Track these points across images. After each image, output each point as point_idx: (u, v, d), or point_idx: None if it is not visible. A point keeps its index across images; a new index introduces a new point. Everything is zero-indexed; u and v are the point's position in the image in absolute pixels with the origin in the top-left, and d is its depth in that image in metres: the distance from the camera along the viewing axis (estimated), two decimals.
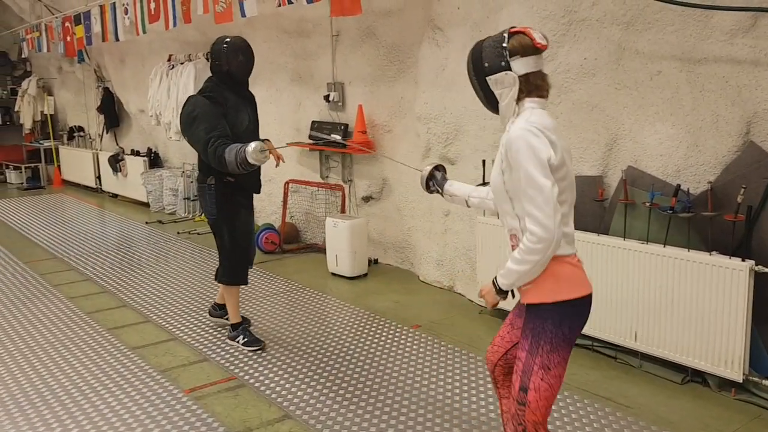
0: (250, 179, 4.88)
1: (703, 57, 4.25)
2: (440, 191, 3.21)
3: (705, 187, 4.17)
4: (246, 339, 4.97)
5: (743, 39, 4.08)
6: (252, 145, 4.34)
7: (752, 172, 4.01)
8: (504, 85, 2.57)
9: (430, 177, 3.23)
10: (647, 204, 4.32)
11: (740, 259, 3.92)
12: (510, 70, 2.55)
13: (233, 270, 4.97)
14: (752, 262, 3.88)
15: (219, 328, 5.36)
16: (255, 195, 5.09)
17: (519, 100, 2.59)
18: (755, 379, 3.97)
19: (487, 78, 2.60)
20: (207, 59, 8.94)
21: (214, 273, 5.29)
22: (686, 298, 4.12)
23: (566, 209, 2.55)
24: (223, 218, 4.83)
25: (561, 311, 2.56)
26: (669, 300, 4.20)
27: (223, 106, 4.66)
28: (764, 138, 4.07)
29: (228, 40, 4.75)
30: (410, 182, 6.64)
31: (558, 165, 2.48)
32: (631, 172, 4.58)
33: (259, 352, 4.89)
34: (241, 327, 5.06)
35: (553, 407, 3.95)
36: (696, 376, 4.26)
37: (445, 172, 3.27)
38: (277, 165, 4.68)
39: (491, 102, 2.66)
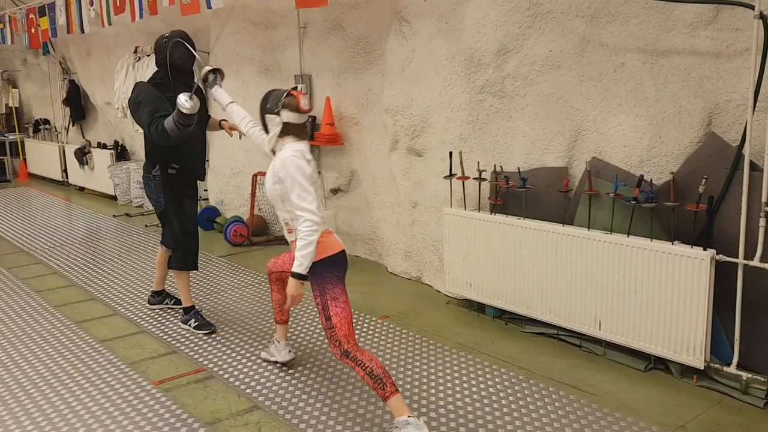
0: (192, 167, 5.12)
1: (666, 49, 4.32)
2: (206, 89, 4.71)
3: (667, 177, 4.24)
4: (197, 323, 5.15)
5: (705, 31, 4.16)
6: (180, 96, 4.45)
7: (713, 162, 4.10)
8: (273, 124, 3.76)
9: (205, 78, 4.56)
10: (611, 195, 4.38)
11: (702, 248, 4.00)
12: (278, 115, 3.72)
13: (185, 256, 5.17)
14: (713, 251, 3.96)
15: (180, 315, 5.34)
16: (200, 182, 5.36)
17: (281, 137, 3.74)
18: (716, 366, 4.05)
19: (265, 115, 3.80)
20: None
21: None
22: (649, 286, 4.20)
23: (318, 203, 3.60)
24: (171, 208, 5.07)
25: (330, 263, 3.62)
26: (632, 289, 4.28)
27: (170, 93, 4.76)
28: (725, 129, 4.16)
29: (167, 33, 4.99)
30: (378, 175, 6.66)
31: (312, 176, 3.66)
32: (595, 164, 4.64)
33: (216, 338, 5.01)
34: (194, 311, 5.22)
35: (519, 395, 4.04)
36: (659, 364, 4.34)
37: (222, 77, 4.69)
38: (240, 137, 4.96)
39: (266, 130, 3.87)
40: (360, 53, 6.70)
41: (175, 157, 4.96)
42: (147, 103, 4.71)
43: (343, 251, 3.72)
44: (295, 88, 3.89)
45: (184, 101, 4.43)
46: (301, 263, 3.52)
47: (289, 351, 4.49)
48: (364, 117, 6.80)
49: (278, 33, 7.57)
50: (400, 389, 3.59)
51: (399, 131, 6.07)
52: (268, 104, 3.77)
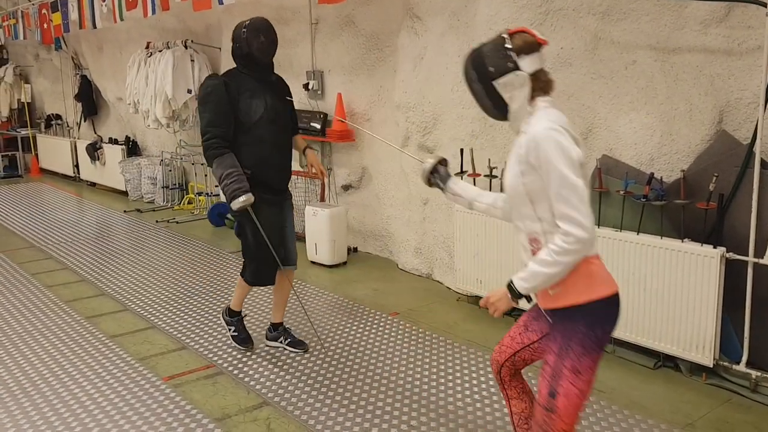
0: (274, 172, 4.49)
1: (678, 46, 4.30)
2: (442, 187, 3.02)
3: (678, 175, 4.22)
4: (236, 333, 4.80)
5: (717, 29, 4.14)
6: (241, 198, 4.15)
7: (724, 160, 4.08)
8: (514, 86, 2.45)
9: (433, 171, 3.02)
10: (621, 192, 4.37)
11: (712, 246, 3.98)
12: (519, 69, 2.44)
13: (258, 272, 4.58)
14: (723, 249, 3.95)
15: (198, 317, 5.37)
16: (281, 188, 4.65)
17: (531, 99, 2.48)
18: (725, 364, 4.05)
19: (494, 83, 2.46)
20: (185, 47, 8.90)
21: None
22: (659, 284, 4.19)
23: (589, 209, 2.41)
24: (244, 217, 4.40)
25: (594, 311, 2.45)
26: (642, 286, 4.27)
27: (235, 92, 4.32)
28: (736, 127, 4.13)
29: (248, 22, 4.39)
30: (390, 171, 6.66)
31: (582, 163, 2.41)
32: (605, 161, 4.63)
33: (227, 336, 4.83)
34: (238, 318, 4.82)
35: None
36: (668, 361, 4.34)
37: (447, 167, 3.06)
38: (322, 182, 4.39)
39: (499, 108, 2.52)
40: (372, 49, 6.70)
41: (249, 159, 4.32)
42: (210, 109, 4.28)
43: (617, 295, 2.51)
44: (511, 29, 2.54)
45: (242, 203, 4.13)
46: (528, 278, 2.43)
47: None
48: (375, 113, 6.80)
49: (290, 29, 7.57)
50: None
51: (410, 128, 6.08)
52: (490, 66, 2.47)
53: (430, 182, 3.06)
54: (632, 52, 4.50)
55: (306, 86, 7.32)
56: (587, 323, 2.44)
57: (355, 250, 7.25)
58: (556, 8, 4.80)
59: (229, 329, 4.85)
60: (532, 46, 2.45)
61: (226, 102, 4.27)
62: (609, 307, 2.49)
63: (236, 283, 4.86)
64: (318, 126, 7.21)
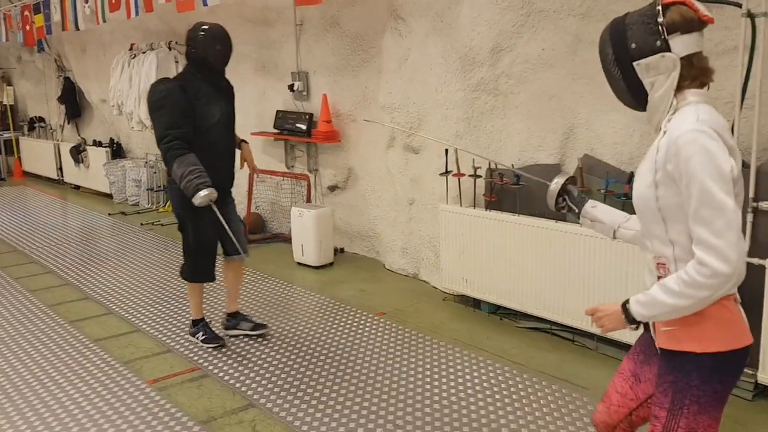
0: (219, 174, 4.55)
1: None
2: (576, 211, 2.56)
3: None
4: (205, 336, 4.86)
5: None
6: (204, 192, 4.22)
7: None
8: (659, 71, 2.01)
9: (563, 192, 2.57)
10: (602, 191, 4.41)
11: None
12: (669, 51, 1.99)
13: (195, 268, 4.77)
14: None
15: (182, 320, 5.36)
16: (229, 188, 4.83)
17: (678, 89, 2.03)
18: None
19: (634, 63, 2.04)
20: (169, 48, 8.88)
21: (176, 263, 5.25)
22: (638, 281, 4.18)
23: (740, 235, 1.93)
24: (187, 216, 4.59)
25: (713, 363, 2.03)
26: (623, 284, 4.30)
27: (194, 97, 4.42)
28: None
29: (205, 26, 4.53)
30: (376, 171, 6.68)
31: (736, 178, 1.95)
32: (587, 160, 4.68)
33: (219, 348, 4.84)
34: (202, 323, 4.91)
35: (513, 389, 4.07)
36: None
37: (577, 185, 2.65)
38: (252, 176, 4.57)
39: (636, 94, 2.09)
40: (357, 51, 6.71)
41: (201, 163, 4.40)
42: (168, 112, 4.32)
43: (748, 349, 2.08)
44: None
45: (202, 196, 4.20)
46: (647, 304, 2.05)
47: None
48: (361, 114, 6.81)
49: (275, 30, 7.58)
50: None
51: (395, 128, 6.09)
52: (633, 42, 2.03)
53: (558, 206, 2.58)
54: None
55: (291, 87, 7.33)
56: (703, 377, 2.04)
57: (342, 250, 7.27)
58: (537, 10, 4.84)
59: (197, 337, 4.88)
60: (692, 23, 1.99)
61: (183, 104, 4.34)
62: (733, 362, 2.07)
63: (220, 286, 4.86)
64: (304, 127, 7.22)
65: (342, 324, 5.21)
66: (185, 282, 4.97)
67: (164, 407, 3.96)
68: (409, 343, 4.83)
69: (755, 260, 3.81)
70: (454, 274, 5.43)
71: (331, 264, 6.81)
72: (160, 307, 5.67)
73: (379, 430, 3.66)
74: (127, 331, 5.20)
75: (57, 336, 5.11)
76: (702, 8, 2.00)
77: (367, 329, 5.10)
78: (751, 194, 3.84)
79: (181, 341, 4.96)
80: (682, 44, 1.99)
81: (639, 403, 2.33)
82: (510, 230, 4.92)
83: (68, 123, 12.67)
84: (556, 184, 2.56)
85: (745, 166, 3.89)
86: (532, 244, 4.78)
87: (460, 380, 4.23)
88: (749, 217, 3.86)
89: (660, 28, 1.99)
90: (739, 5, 3.78)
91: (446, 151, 5.32)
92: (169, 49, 8.89)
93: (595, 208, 2.52)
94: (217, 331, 4.98)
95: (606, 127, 4.63)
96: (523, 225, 4.83)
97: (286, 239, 7.43)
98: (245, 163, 4.92)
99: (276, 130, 7.59)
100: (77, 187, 12.01)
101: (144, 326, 5.28)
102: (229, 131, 4.71)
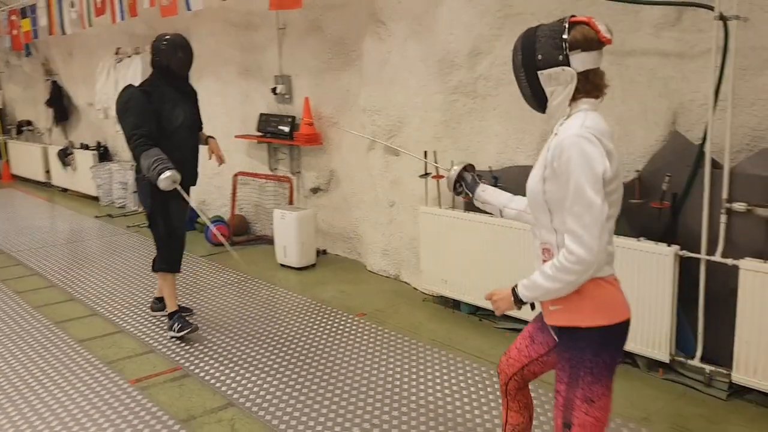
0: (183, 171, 4.83)
1: (632, 50, 4.41)
2: (470, 195, 2.86)
3: (633, 175, 4.33)
4: (180, 325, 5.02)
5: (669, 32, 4.25)
6: (167, 174, 4.51)
7: (677, 161, 4.19)
8: (558, 82, 2.25)
9: (459, 178, 2.87)
10: None
11: (666, 244, 4.09)
12: (568, 65, 2.23)
13: (169, 258, 5.10)
14: (677, 247, 4.05)
15: (166, 321, 5.38)
16: (192, 187, 5.14)
17: (573, 99, 2.28)
18: (681, 359, 4.15)
19: (538, 72, 2.27)
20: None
21: (151, 264, 5.31)
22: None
23: (610, 225, 2.28)
24: (156, 208, 4.94)
25: (600, 337, 2.29)
26: None
27: (159, 102, 4.77)
28: (689, 128, 4.25)
29: (168, 37, 4.89)
30: (357, 174, 6.72)
31: (612, 177, 2.21)
32: None
33: (196, 340, 4.95)
34: (177, 315, 5.10)
35: (489, 389, 4.12)
36: (627, 358, 4.42)
37: (476, 173, 2.92)
38: (219, 165, 5.08)
39: (539, 100, 2.33)
40: (338, 54, 6.76)
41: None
42: (132, 114, 4.66)
43: (628, 322, 2.38)
44: (574, 17, 2.33)
45: (164, 179, 4.48)
46: (530, 287, 2.34)
47: None
48: (342, 117, 6.86)
49: (258, 34, 7.62)
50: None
51: (376, 131, 6.14)
52: (540, 53, 2.26)
53: (456, 191, 2.90)
54: None
55: (274, 90, 7.37)
56: (593, 350, 2.28)
57: (324, 252, 7.31)
58: (514, 13, 4.90)
59: (174, 328, 5.03)
60: (592, 42, 2.23)
61: (146, 107, 4.71)
62: (617, 334, 2.35)
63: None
64: (286, 129, 7.26)
65: (322, 324, 5.25)
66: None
67: (145, 406, 3.99)
68: (388, 343, 4.87)
69: (729, 260, 3.88)
70: (434, 275, 5.48)
71: (313, 265, 6.85)
72: (145, 309, 5.68)
73: (356, 429, 3.70)
74: (111, 332, 5.23)
75: (42, 337, 5.13)
76: (603, 30, 2.24)
77: (347, 330, 5.14)
78: (724, 195, 3.90)
79: (164, 341, 4.99)
80: (580, 61, 2.23)
81: (530, 360, 2.63)
82: (488, 231, 4.97)
83: (56, 126, 12.67)
84: (454, 171, 2.88)
85: (718, 167, 3.97)
86: (509, 246, 4.82)
87: (437, 380, 4.27)
88: (722, 218, 3.92)
89: (564, 44, 2.22)
90: (711, 8, 3.85)
91: (425, 153, 5.37)
92: None
93: (484, 191, 2.83)
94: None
95: None
96: (501, 226, 4.88)
97: (270, 241, 7.45)
98: (212, 155, 5.18)
99: (259, 133, 7.63)
100: (65, 190, 12.01)
101: (128, 327, 5.31)
102: (194, 132, 5.08)
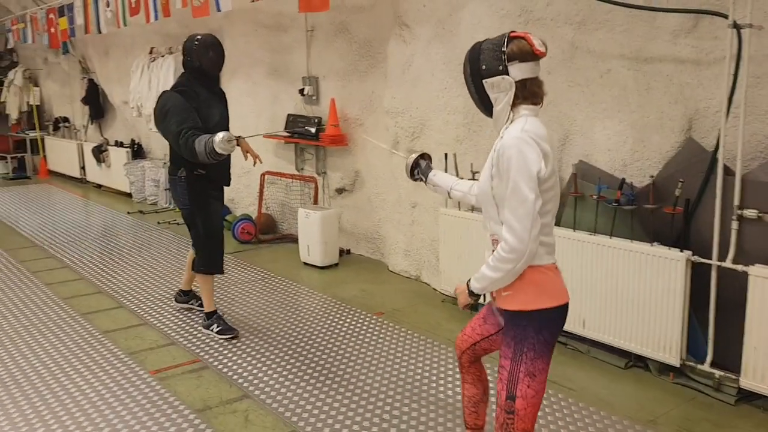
0: (219, 172, 5.07)
1: (649, 56, 4.44)
2: (424, 179, 3.25)
3: (648, 180, 4.36)
4: (220, 327, 5.10)
5: (686, 39, 4.27)
6: (219, 135, 4.53)
7: (690, 167, 4.21)
8: (500, 89, 2.54)
9: (415, 165, 3.27)
10: (595, 197, 4.51)
11: (679, 249, 4.12)
12: (507, 74, 2.52)
13: (210, 259, 5.13)
14: (689, 252, 4.08)
15: (188, 314, 5.55)
16: (225, 187, 5.27)
17: (514, 105, 2.56)
18: (691, 363, 4.17)
19: (483, 81, 2.57)
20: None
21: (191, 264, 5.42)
22: (630, 286, 4.32)
23: (548, 219, 2.57)
24: (196, 209, 5.00)
25: (542, 318, 2.58)
26: (614, 288, 4.40)
27: (195, 101, 4.83)
28: (705, 134, 4.26)
29: (199, 37, 4.93)
30: (381, 175, 6.82)
31: (548, 176, 2.48)
32: (581, 167, 4.77)
33: (232, 339, 5.03)
34: (215, 315, 5.19)
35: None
36: (639, 361, 4.46)
37: (430, 161, 3.31)
38: (255, 164, 5.00)
39: (486, 105, 2.63)
40: (364, 56, 6.87)
41: (201, 163, 4.84)
42: (175, 113, 4.70)
43: (568, 305, 2.67)
44: (513, 31, 2.62)
45: (220, 142, 4.48)
46: (479, 279, 2.65)
47: None
48: (367, 118, 6.97)
49: (287, 36, 7.76)
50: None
51: (399, 132, 6.24)
52: (483, 63, 2.56)
53: (413, 176, 3.29)
54: (607, 61, 4.65)
55: (302, 91, 7.50)
56: (535, 329, 2.57)
57: (348, 252, 7.41)
58: (535, 18, 4.95)
59: (212, 329, 5.12)
60: (527, 55, 2.51)
61: (185, 104, 4.73)
62: (556, 316, 2.62)
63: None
64: (313, 130, 7.38)
65: (341, 322, 5.36)
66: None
67: (163, 396, 4.14)
68: (404, 341, 4.96)
69: (739, 267, 3.89)
70: (453, 277, 5.54)
71: (336, 265, 6.96)
72: (169, 302, 5.85)
73: (366, 423, 3.80)
74: (135, 324, 5.40)
75: (68, 327, 5.31)
76: (537, 44, 2.53)
77: (364, 328, 5.24)
78: (736, 202, 3.92)
79: (185, 334, 5.14)
80: (518, 71, 2.52)
81: (482, 337, 2.96)
82: None
83: (92, 123, 12.97)
84: (411, 158, 3.27)
85: (731, 174, 3.99)
86: None
87: (450, 379, 4.35)
88: (734, 225, 3.94)
89: (503, 55, 2.51)
90: (726, 16, 3.87)
91: (446, 155, 5.45)
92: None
93: (435, 176, 3.22)
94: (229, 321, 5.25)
95: (600, 134, 4.73)
96: None
97: (296, 240, 7.58)
98: (248, 154, 5.10)
99: (287, 133, 7.77)
100: (99, 186, 12.30)
101: (151, 319, 5.47)
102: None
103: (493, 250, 2.62)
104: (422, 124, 5.98)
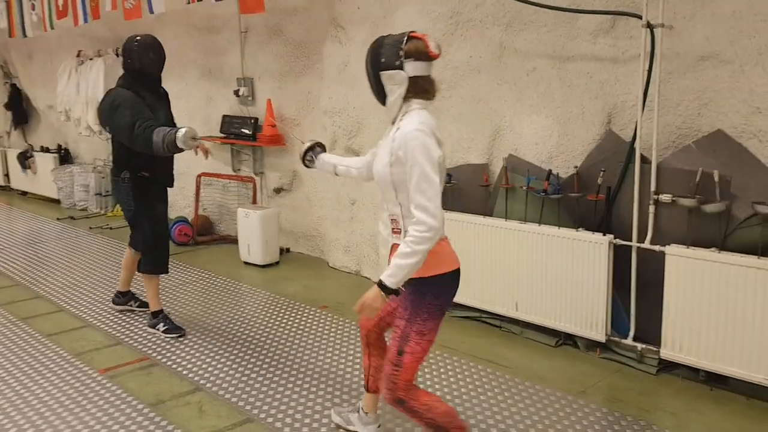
0: (163, 173, 5.14)
1: (571, 55, 4.76)
2: (314, 161, 3.64)
3: (572, 171, 4.69)
4: (166, 326, 5.17)
5: (604, 39, 4.61)
6: (183, 130, 4.53)
7: (610, 157, 4.55)
8: (395, 82, 2.82)
9: (308, 151, 3.65)
10: (524, 188, 4.81)
11: (602, 233, 4.45)
12: (402, 69, 2.80)
13: (156, 260, 5.20)
14: (612, 236, 4.42)
15: (131, 314, 5.59)
16: (168, 188, 5.30)
17: (406, 99, 2.84)
18: (616, 339, 4.51)
19: (380, 72, 2.84)
20: (117, 55, 9.04)
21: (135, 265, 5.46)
22: (558, 270, 4.63)
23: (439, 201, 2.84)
24: (141, 211, 5.05)
25: (439, 284, 2.88)
26: (544, 272, 4.71)
27: (143, 100, 4.82)
28: (623, 127, 4.61)
29: (138, 38, 4.94)
30: (319, 174, 6.93)
31: (441, 160, 2.81)
32: (511, 160, 5.07)
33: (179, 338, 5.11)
34: (161, 314, 5.25)
35: (442, 370, 4.43)
36: (568, 339, 4.78)
37: (324, 149, 3.69)
38: (207, 158, 4.91)
39: (381, 95, 2.91)
40: (300, 57, 7.02)
41: (145, 164, 4.93)
42: (127, 106, 4.68)
43: (459, 270, 2.98)
44: (414, 32, 2.90)
45: (183, 137, 4.47)
46: (394, 273, 2.73)
47: (378, 425, 3.62)
48: (304, 118, 7.12)
49: (221, 37, 7.84)
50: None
51: (337, 131, 6.42)
52: (383, 57, 2.83)
53: (305, 162, 3.67)
54: (532, 60, 4.95)
55: (236, 92, 7.59)
56: (434, 294, 2.88)
57: (288, 250, 7.55)
58: (465, 19, 5.22)
59: (158, 328, 5.19)
60: (421, 54, 2.81)
61: (138, 100, 4.77)
62: (452, 280, 2.94)
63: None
64: (249, 131, 7.48)
65: (285, 316, 5.50)
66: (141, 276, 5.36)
67: (116, 393, 4.20)
68: (347, 331, 5.15)
69: (656, 247, 4.24)
70: None
71: (277, 263, 7.09)
72: (111, 304, 5.84)
73: (318, 407, 3.97)
74: (78, 327, 5.40)
75: (8, 332, 5.28)
76: (432, 46, 2.82)
77: (309, 320, 5.40)
78: (652, 188, 4.27)
79: (131, 334, 5.18)
80: (412, 68, 2.81)
81: (386, 313, 3.24)
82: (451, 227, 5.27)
83: (15, 129, 12.65)
84: (305, 145, 3.66)
85: (647, 162, 4.33)
86: (461, 239, 5.09)
87: None
88: (651, 209, 4.29)
89: (401, 52, 2.80)
90: (639, 17, 4.21)
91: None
92: (117, 55, 9.05)
93: (320, 158, 3.63)
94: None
95: (528, 129, 5.04)
96: (452, 221, 5.16)
97: (233, 241, 7.67)
98: (198, 150, 5.07)
99: (222, 134, 7.84)
100: (24, 193, 12.02)
101: (94, 321, 5.48)
102: None
103: (393, 229, 2.93)
104: (359, 123, 6.18)
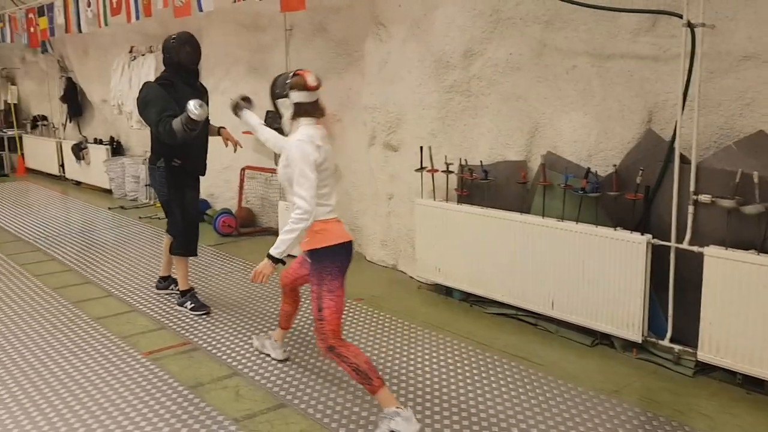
0: (195, 162, 5.51)
1: (612, 53, 4.75)
2: (240, 115, 4.51)
3: (611, 169, 4.67)
4: (193, 304, 5.51)
5: (645, 37, 4.59)
6: (190, 103, 4.83)
7: (650, 156, 4.53)
8: (285, 107, 3.73)
9: (238, 104, 4.54)
10: (562, 186, 4.81)
11: (640, 233, 4.43)
12: (288, 98, 3.68)
13: (187, 244, 5.55)
14: (650, 235, 4.39)
15: (176, 301, 5.75)
16: (202, 178, 5.66)
17: (295, 118, 3.70)
18: (652, 339, 4.48)
19: (276, 100, 3.75)
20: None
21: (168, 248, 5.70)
22: (595, 268, 4.63)
23: (327, 190, 3.68)
24: (173, 197, 5.43)
25: (331, 252, 3.66)
26: (581, 271, 4.70)
27: (174, 94, 5.16)
28: (663, 126, 4.58)
29: (175, 35, 5.37)
30: (359, 168, 7.07)
31: (321, 161, 3.59)
32: (549, 157, 5.07)
33: (206, 317, 5.39)
34: (189, 293, 5.58)
35: (474, 365, 4.47)
36: (604, 339, 4.77)
37: (250, 103, 4.61)
38: (235, 150, 5.38)
39: (280, 115, 3.80)
40: (341, 54, 7.12)
41: (179, 153, 5.30)
42: (155, 103, 5.07)
43: (350, 242, 3.76)
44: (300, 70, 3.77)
45: (194, 108, 4.77)
46: (278, 246, 3.59)
47: (284, 351, 4.62)
48: (345, 114, 7.21)
49: (266, 35, 7.99)
50: (378, 373, 3.95)
51: (376, 127, 6.49)
52: (277, 89, 3.73)
53: (235, 112, 4.56)
54: (572, 57, 4.95)
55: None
56: (330, 259, 3.66)
57: None
58: (505, 17, 5.25)
59: (186, 305, 5.52)
60: (300, 86, 3.65)
61: (165, 95, 5.08)
62: (342, 249, 3.71)
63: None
64: None
65: None
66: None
67: (157, 374, 4.36)
68: (383, 325, 5.22)
69: (695, 248, 4.21)
70: (428, 264, 5.82)
71: None
72: (157, 290, 6.04)
73: (349, 396, 4.06)
74: (125, 311, 5.60)
75: (60, 314, 5.50)
76: (310, 80, 3.65)
77: (345, 312, 5.47)
78: (691, 188, 4.24)
79: (175, 320, 5.35)
80: (296, 96, 3.67)
81: (300, 275, 4.26)
82: (479, 222, 5.31)
83: (70, 122, 13.07)
84: (235, 98, 4.59)
85: (686, 162, 4.30)
86: (499, 236, 5.17)
87: (427, 357, 4.62)
88: (690, 209, 4.26)
89: (287, 85, 3.68)
90: (680, 16, 4.18)
91: (421, 148, 5.72)
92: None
93: (244, 114, 4.53)
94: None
95: (566, 126, 5.04)
96: (491, 217, 5.22)
97: (275, 233, 7.79)
98: (228, 142, 5.52)
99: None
100: (78, 183, 12.41)
101: (141, 307, 5.68)
102: (205, 126, 5.34)
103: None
104: (399, 119, 6.24)
